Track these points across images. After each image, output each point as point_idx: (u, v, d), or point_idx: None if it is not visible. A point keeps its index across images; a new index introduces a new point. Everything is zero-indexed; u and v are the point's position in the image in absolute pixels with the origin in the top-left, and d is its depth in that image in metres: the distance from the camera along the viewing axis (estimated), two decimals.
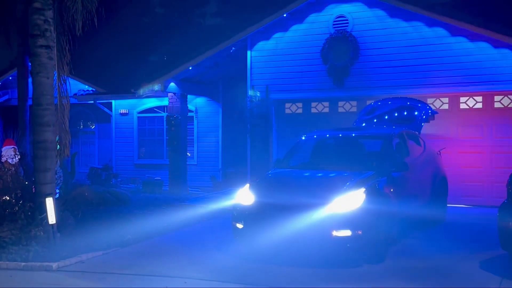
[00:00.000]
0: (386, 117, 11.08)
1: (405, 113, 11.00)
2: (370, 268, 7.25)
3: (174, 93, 15.50)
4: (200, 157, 17.49)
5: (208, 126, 17.44)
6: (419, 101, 11.48)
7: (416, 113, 11.00)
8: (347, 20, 13.53)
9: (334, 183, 7.89)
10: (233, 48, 14.67)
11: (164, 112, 17.46)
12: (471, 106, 12.78)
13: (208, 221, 11.00)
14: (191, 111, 17.09)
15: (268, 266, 7.39)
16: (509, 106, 12.46)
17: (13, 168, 9.93)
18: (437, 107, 12.84)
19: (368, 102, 13.48)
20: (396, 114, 11.01)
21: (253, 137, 14.50)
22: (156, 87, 14.90)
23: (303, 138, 9.88)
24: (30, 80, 9.52)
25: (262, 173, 10.16)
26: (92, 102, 18.21)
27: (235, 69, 15.69)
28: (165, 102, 16.43)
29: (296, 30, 14.13)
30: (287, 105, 14.61)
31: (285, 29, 14.24)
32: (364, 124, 11.21)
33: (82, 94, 18.06)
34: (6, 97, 19.89)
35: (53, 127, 8.89)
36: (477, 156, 12.67)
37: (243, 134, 14.93)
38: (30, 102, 9.64)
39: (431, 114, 11.26)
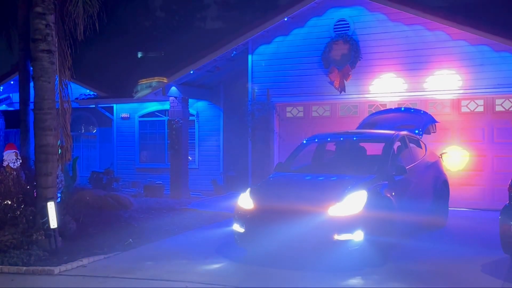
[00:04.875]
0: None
1: (408, 122, 10.99)
2: (372, 271, 7.23)
3: (175, 97, 15.51)
4: (202, 161, 17.50)
5: (209, 130, 17.46)
6: (422, 110, 11.66)
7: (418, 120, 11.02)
8: (348, 24, 13.55)
9: (336, 187, 7.89)
10: (234, 52, 14.69)
11: (165, 116, 17.49)
12: (472, 109, 12.78)
13: (209, 225, 10.99)
14: (192, 115, 17.10)
15: (270, 270, 7.39)
16: (510, 109, 12.46)
17: (14, 173, 9.93)
18: (439, 110, 12.84)
19: (369, 108, 13.50)
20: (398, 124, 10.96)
21: (254, 140, 14.52)
22: (157, 90, 14.92)
23: (304, 142, 9.89)
24: (31, 84, 9.54)
25: (263, 177, 10.17)
26: (94, 106, 18.31)
27: (236, 72, 15.72)
28: (166, 106, 16.46)
29: (297, 34, 14.15)
30: (288, 108, 14.60)
31: (286, 33, 14.26)
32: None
33: (83, 98, 18.18)
34: (8, 101, 19.94)
35: (55, 131, 8.89)
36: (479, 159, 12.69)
37: (244, 137, 14.94)
38: (32, 106, 9.65)
39: (433, 124, 11.27)
